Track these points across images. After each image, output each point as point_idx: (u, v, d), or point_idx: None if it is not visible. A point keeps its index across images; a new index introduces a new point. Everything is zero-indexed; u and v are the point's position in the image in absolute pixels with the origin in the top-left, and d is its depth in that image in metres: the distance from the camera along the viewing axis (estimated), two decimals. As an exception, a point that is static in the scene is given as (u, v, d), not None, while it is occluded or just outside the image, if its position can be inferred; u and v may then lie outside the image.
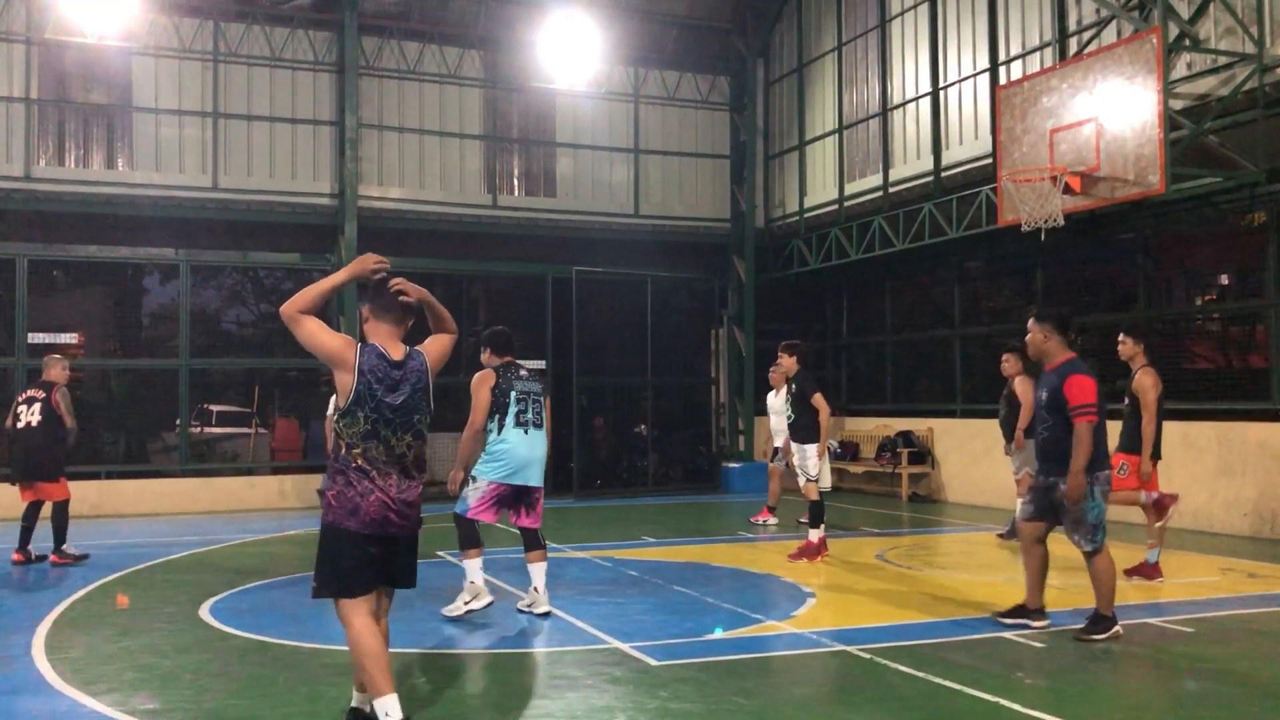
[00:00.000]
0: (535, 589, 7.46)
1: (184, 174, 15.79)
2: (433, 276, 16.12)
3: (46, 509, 10.08)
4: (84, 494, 13.88)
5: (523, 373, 7.42)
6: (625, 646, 6.50)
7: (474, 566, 7.28)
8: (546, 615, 7.38)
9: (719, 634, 6.88)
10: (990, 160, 13.61)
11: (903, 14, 16.09)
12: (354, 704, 4.91)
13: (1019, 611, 6.92)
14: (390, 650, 4.78)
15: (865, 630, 6.95)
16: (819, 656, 6.38)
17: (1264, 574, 9.10)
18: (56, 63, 15.35)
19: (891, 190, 16.12)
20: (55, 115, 15.35)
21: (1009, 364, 11.36)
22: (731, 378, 18.78)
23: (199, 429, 18.26)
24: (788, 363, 10.39)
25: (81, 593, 8.49)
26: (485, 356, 7.42)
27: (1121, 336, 8.80)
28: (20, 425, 10.09)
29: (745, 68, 18.96)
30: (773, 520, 12.71)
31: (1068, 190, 11.59)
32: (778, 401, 12.71)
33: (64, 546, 9.98)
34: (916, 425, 16.30)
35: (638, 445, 18.14)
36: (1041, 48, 13.71)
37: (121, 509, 14.46)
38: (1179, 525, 11.50)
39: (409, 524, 4.70)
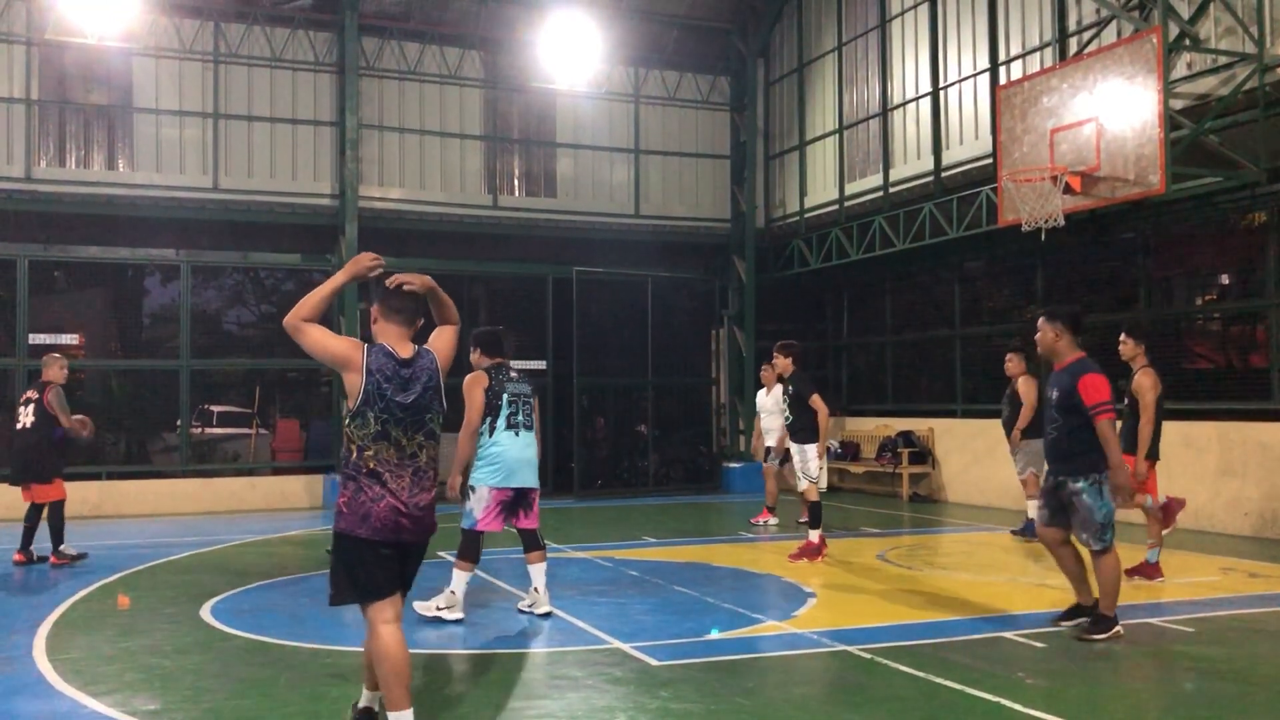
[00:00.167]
0: (536, 589, 7.46)
1: (184, 175, 15.80)
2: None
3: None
4: (84, 494, 13.91)
5: (513, 374, 7.40)
6: (626, 646, 6.50)
7: (461, 579, 7.25)
8: (547, 615, 7.38)
9: (715, 635, 6.88)
10: (990, 160, 13.60)
11: (903, 14, 16.09)
12: (363, 702, 4.90)
13: (1076, 611, 6.89)
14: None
15: (865, 630, 6.95)
16: (819, 656, 6.39)
17: (1265, 574, 9.10)
18: (57, 63, 15.36)
19: (892, 190, 16.12)
20: (56, 116, 15.36)
21: (1013, 364, 11.37)
22: (732, 378, 18.78)
23: (200, 429, 18.27)
24: (783, 364, 10.34)
25: (82, 593, 8.49)
26: (475, 357, 7.39)
27: (1122, 337, 8.79)
28: (18, 426, 10.15)
29: (745, 68, 18.96)
30: (773, 521, 12.71)
31: (1068, 190, 11.58)
32: (769, 400, 12.72)
33: (61, 547, 9.99)
34: (917, 425, 16.30)
35: (638, 445, 18.14)
36: (1042, 47, 13.70)
37: (122, 509, 14.46)
38: (1180, 525, 11.49)
39: (422, 530, 4.63)
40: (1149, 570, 8.62)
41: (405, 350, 4.67)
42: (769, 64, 19.19)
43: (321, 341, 4.58)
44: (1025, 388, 11.05)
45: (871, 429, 17.26)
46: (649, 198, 18.58)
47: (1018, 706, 5.21)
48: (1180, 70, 11.57)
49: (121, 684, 5.76)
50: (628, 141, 18.46)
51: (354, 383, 4.54)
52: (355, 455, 4.54)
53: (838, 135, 17.38)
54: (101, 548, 10.84)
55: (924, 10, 15.62)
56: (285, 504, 15.19)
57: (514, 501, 7.27)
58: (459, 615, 7.26)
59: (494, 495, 7.18)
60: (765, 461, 12.97)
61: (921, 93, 15.69)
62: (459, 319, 5.01)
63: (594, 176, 18.27)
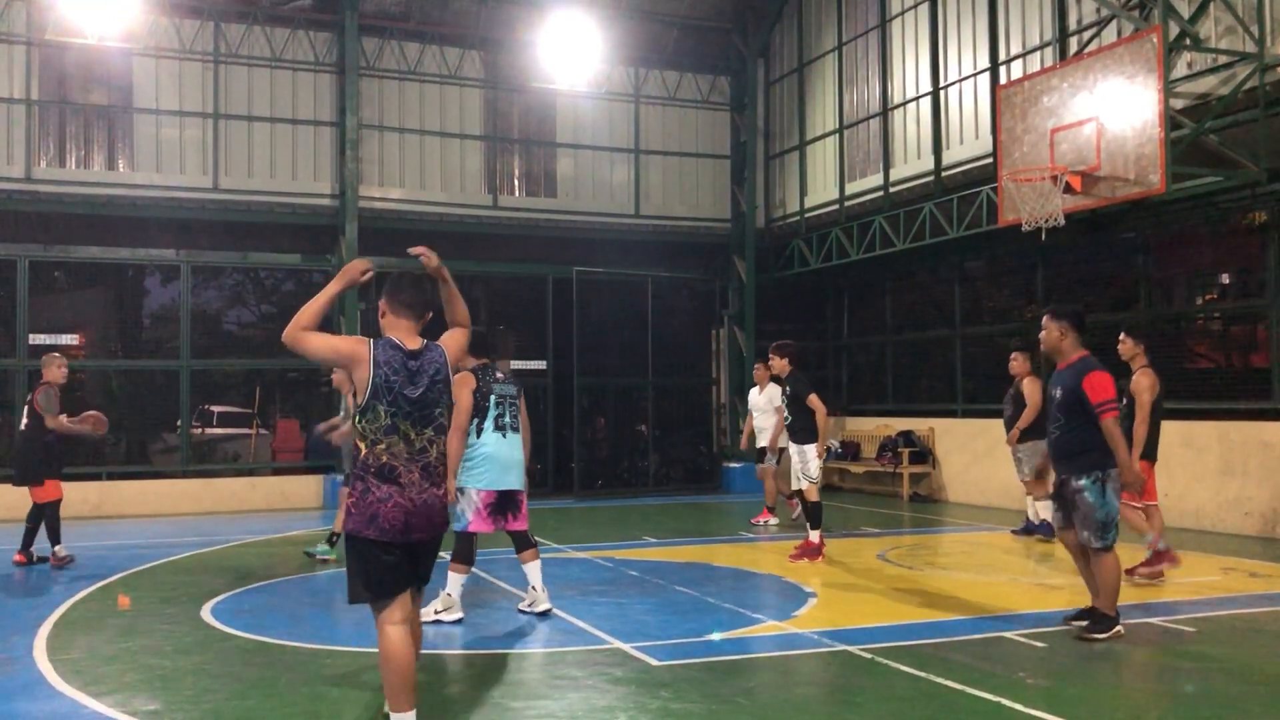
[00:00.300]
0: (534, 588, 7.47)
1: (185, 175, 15.79)
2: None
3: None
4: (85, 495, 13.92)
5: (499, 375, 7.39)
6: (626, 646, 6.50)
7: (457, 580, 7.24)
8: (547, 614, 7.39)
9: (715, 635, 6.88)
10: (991, 160, 13.60)
11: (903, 14, 16.08)
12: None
13: (1088, 614, 6.84)
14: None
15: (866, 630, 6.95)
16: (819, 656, 6.38)
17: (1265, 573, 9.10)
18: (57, 64, 15.35)
19: (892, 190, 16.11)
20: (56, 116, 15.35)
21: (1018, 363, 11.34)
22: (732, 378, 18.78)
23: (200, 430, 18.28)
24: (779, 364, 10.32)
25: (83, 594, 8.49)
26: None
27: (1122, 336, 8.79)
28: (20, 428, 10.19)
29: (745, 68, 18.95)
30: (773, 520, 12.70)
31: (1068, 190, 11.58)
32: (761, 399, 12.72)
33: (55, 548, 9.99)
34: (917, 425, 16.30)
35: (638, 445, 18.15)
36: (1042, 47, 13.70)
37: (122, 510, 14.46)
38: (1180, 525, 11.51)
39: (432, 527, 4.63)
40: (1169, 557, 8.59)
41: (413, 343, 4.67)
42: (769, 64, 19.18)
43: (328, 343, 4.61)
44: (1030, 388, 11.01)
45: (872, 429, 17.26)
46: (649, 198, 18.58)
47: (1018, 706, 5.21)
48: (1180, 70, 11.56)
49: (122, 684, 5.76)
50: (628, 141, 18.46)
51: (362, 376, 4.55)
52: (365, 452, 4.54)
53: (838, 135, 17.38)
54: (102, 548, 10.84)
55: (924, 10, 15.62)
56: (285, 504, 15.19)
57: (501, 504, 7.27)
58: (457, 616, 7.26)
59: (483, 498, 7.17)
60: (760, 462, 12.98)
61: (922, 92, 15.68)
62: (469, 320, 5.02)
63: (594, 176, 18.27)
